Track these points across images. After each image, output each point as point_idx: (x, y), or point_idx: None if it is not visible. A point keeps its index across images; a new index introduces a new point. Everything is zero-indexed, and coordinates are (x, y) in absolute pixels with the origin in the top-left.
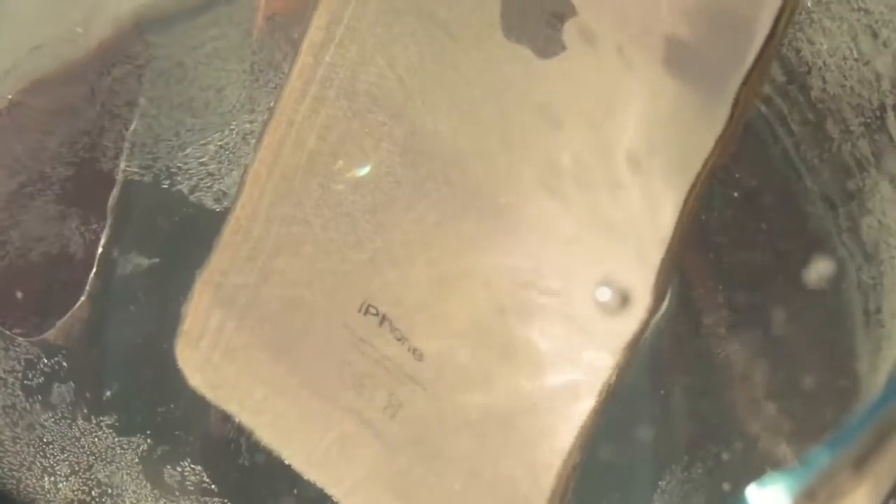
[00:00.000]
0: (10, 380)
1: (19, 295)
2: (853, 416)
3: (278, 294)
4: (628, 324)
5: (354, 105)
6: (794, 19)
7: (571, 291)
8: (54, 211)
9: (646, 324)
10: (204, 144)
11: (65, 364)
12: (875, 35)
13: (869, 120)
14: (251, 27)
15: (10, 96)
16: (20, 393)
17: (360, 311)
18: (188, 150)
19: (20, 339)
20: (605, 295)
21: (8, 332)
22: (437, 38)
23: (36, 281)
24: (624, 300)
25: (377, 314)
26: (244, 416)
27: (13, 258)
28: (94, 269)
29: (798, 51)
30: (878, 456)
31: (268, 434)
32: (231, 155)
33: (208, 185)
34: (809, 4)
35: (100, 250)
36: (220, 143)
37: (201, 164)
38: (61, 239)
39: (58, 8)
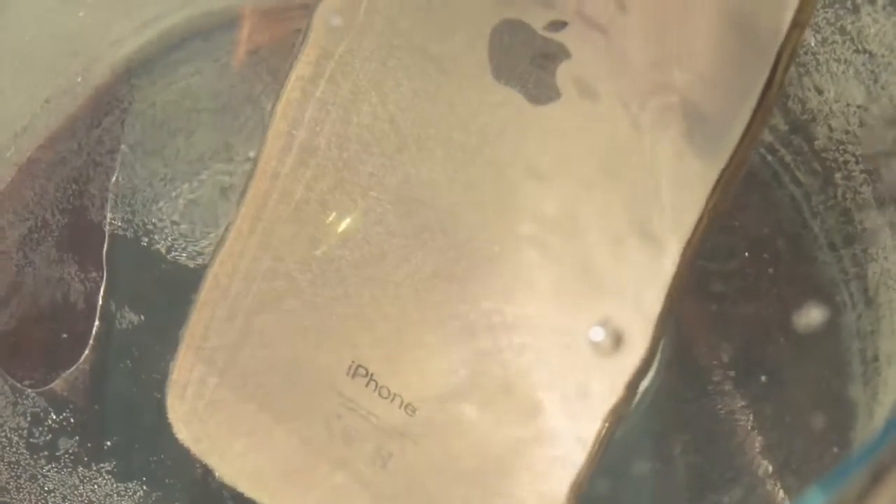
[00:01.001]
0: (15, 438)
1: (27, 345)
2: (850, 457)
3: (260, 354)
4: (623, 366)
5: (345, 154)
6: (800, 61)
7: (565, 337)
8: (56, 257)
9: (641, 368)
10: (174, 198)
11: (71, 418)
12: (876, 79)
13: (871, 166)
14: (228, 62)
15: (28, 154)
16: (24, 451)
17: (348, 373)
18: (160, 204)
19: (28, 390)
20: (599, 335)
21: (18, 384)
22: (431, 74)
23: (42, 331)
24: (618, 341)
25: (366, 375)
26: (225, 470)
27: (25, 307)
28: (97, 321)
29: (802, 100)
30: (874, 496)
31: (252, 488)
32: (203, 211)
33: (182, 245)
34: (813, 44)
35: (100, 302)
36: (189, 197)
37: (172, 222)
38: (63, 287)
39: (62, 59)
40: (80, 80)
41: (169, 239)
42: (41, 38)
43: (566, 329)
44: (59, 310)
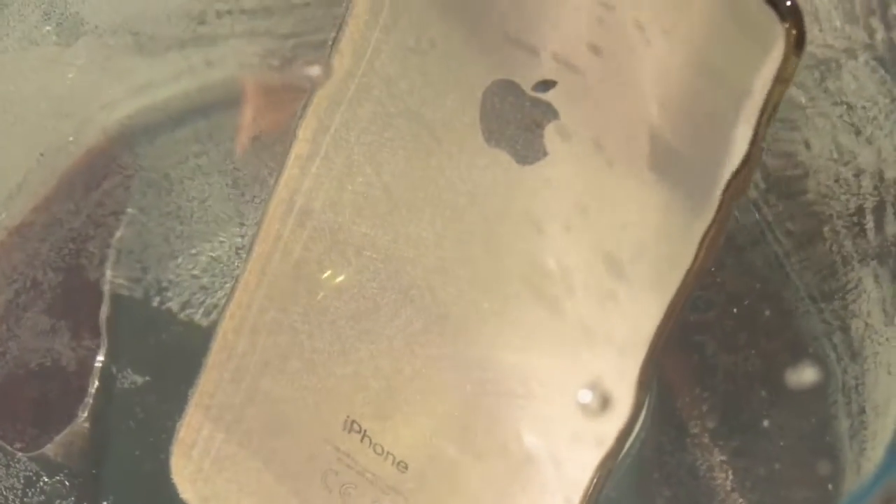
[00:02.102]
0: (10, 497)
1: (17, 407)
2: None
3: (264, 412)
4: (610, 426)
5: (340, 217)
6: (785, 116)
7: (553, 394)
8: (47, 322)
9: (628, 427)
10: (194, 255)
11: (66, 481)
12: (858, 133)
13: (854, 220)
14: (233, 145)
15: (22, 217)
16: None
17: (343, 428)
18: (179, 260)
19: (20, 454)
20: (587, 397)
21: (9, 447)
22: (423, 140)
23: (33, 392)
24: (605, 403)
25: (360, 431)
26: None
27: (11, 367)
28: (95, 384)
29: (788, 154)
30: None
31: None
32: (224, 267)
33: (200, 299)
34: (799, 99)
35: (98, 364)
36: (210, 255)
37: (193, 276)
38: (53, 353)
39: (52, 119)
40: (71, 139)
41: (186, 294)
42: (31, 96)
43: (556, 386)
44: (48, 371)
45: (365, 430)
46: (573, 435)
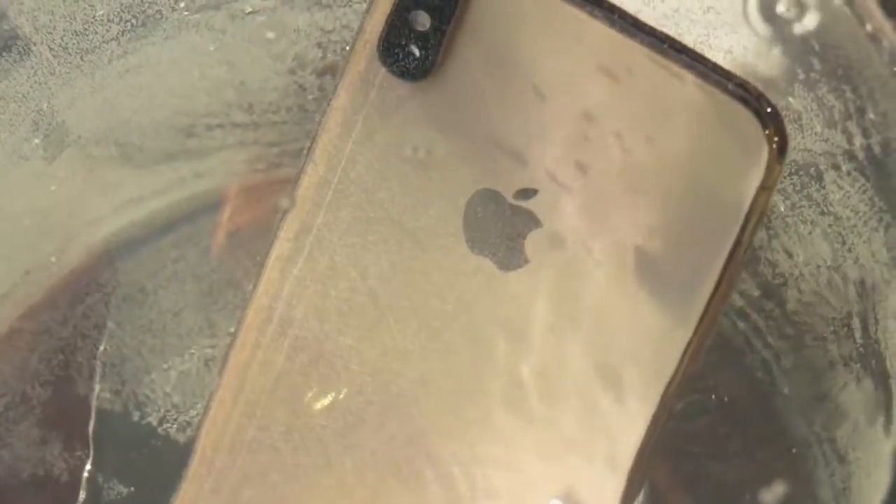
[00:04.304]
0: None
1: None
2: None
3: None
4: None
5: (325, 326)
6: (769, 224)
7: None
8: (36, 435)
9: None
10: (166, 370)
11: None
12: (843, 241)
13: (836, 326)
14: (210, 244)
15: (10, 324)
16: None
17: None
18: (153, 375)
19: None
20: None
21: None
22: (407, 247)
23: (25, 502)
24: None
25: None
26: None
27: (3, 477)
28: (82, 494)
29: (773, 263)
30: None
31: None
32: (193, 383)
33: (174, 416)
34: (782, 208)
35: (85, 475)
36: (180, 369)
37: (165, 393)
38: (45, 463)
39: (34, 237)
40: (54, 259)
41: (161, 410)
42: (16, 213)
43: (539, 493)
44: (41, 480)
45: None
46: None
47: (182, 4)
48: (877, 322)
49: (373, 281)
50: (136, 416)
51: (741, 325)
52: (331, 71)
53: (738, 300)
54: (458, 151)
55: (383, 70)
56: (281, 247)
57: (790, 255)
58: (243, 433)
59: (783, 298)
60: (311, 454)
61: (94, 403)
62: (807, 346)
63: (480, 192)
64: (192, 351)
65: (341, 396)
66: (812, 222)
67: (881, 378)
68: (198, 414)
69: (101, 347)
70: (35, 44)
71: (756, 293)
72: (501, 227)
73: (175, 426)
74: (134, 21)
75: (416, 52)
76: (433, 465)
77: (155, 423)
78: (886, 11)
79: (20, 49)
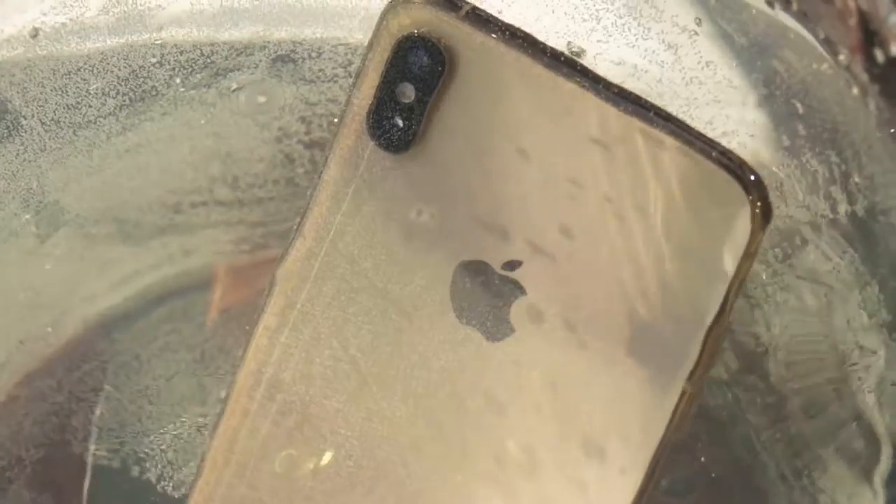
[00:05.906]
0: None
1: None
2: None
3: None
4: None
5: (311, 390)
6: (750, 294)
7: None
8: (27, 496)
9: None
10: (162, 434)
11: None
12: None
13: (819, 395)
14: (203, 320)
15: (7, 391)
16: None
17: None
18: (151, 437)
19: None
20: None
21: None
22: (392, 317)
23: None
24: None
25: None
26: None
27: None
28: None
29: (754, 335)
30: None
31: None
32: (186, 444)
33: (169, 473)
34: (765, 277)
35: None
36: (174, 433)
37: (162, 450)
38: None
39: (30, 310)
40: (50, 330)
41: (160, 466)
42: (10, 287)
43: None
44: None
45: None
46: None
47: (178, 80)
48: (863, 391)
49: (354, 351)
50: (135, 471)
51: (724, 396)
52: (317, 145)
53: (720, 373)
54: (444, 222)
55: (371, 143)
56: (268, 320)
57: (767, 327)
58: (234, 490)
59: (764, 370)
60: None
61: (89, 462)
62: (787, 417)
63: (467, 262)
64: (185, 419)
65: (329, 459)
66: (788, 290)
67: (866, 447)
68: (190, 473)
69: (98, 411)
70: (25, 117)
71: (737, 365)
72: (489, 297)
73: (171, 484)
74: (132, 95)
75: (401, 124)
76: None
77: (154, 479)
78: (871, 76)
79: (9, 123)
